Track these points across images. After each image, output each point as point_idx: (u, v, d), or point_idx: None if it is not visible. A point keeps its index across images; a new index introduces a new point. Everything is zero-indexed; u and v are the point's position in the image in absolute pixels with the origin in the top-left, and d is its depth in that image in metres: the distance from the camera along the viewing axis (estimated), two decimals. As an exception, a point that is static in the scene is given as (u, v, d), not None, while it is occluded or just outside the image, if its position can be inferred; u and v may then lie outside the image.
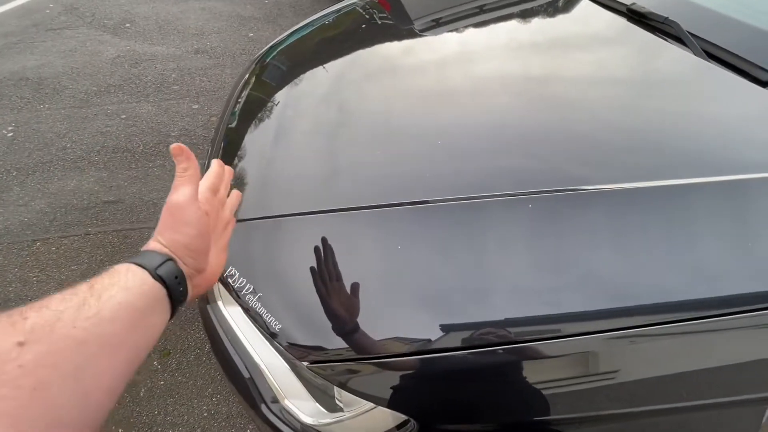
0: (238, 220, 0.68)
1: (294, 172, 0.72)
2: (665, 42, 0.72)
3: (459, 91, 0.79)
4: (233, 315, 0.64)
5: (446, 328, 0.49)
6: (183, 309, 0.37)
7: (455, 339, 0.49)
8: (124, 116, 2.16)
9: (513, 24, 1.01)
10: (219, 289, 0.65)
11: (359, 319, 0.52)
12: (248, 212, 0.69)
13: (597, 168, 0.58)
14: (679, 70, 0.67)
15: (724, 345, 0.49)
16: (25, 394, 0.20)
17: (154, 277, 0.32)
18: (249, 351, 0.61)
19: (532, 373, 0.48)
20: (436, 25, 1.08)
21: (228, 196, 0.45)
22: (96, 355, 0.25)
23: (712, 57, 0.66)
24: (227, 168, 0.46)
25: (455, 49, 0.95)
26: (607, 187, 0.53)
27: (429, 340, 0.49)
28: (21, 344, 0.21)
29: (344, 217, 0.60)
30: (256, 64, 1.16)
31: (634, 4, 0.80)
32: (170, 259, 0.34)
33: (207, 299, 0.69)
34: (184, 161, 0.37)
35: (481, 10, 1.10)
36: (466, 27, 1.02)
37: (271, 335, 0.55)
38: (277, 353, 0.57)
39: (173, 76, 2.53)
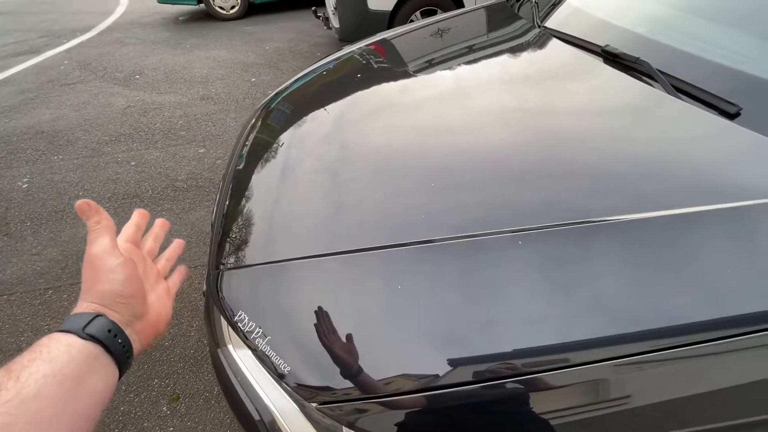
0: (250, 265, 0.72)
1: (298, 213, 0.76)
2: (637, 81, 0.77)
3: (457, 126, 0.84)
4: (243, 358, 0.66)
5: (454, 363, 0.50)
6: (143, 358, 0.39)
7: (463, 374, 0.50)
8: (133, 163, 2.25)
9: (499, 63, 1.08)
10: (229, 333, 0.68)
11: (365, 358, 0.54)
12: (255, 257, 0.72)
13: (598, 199, 0.61)
14: (651, 106, 0.72)
15: (734, 367, 0.50)
16: None
17: (83, 337, 0.31)
18: (259, 393, 0.62)
19: (542, 403, 0.49)
20: (429, 65, 1.15)
21: (159, 245, 0.46)
22: None
23: (682, 92, 0.71)
24: (159, 220, 0.46)
25: (448, 86, 1.01)
26: (610, 219, 0.56)
27: (437, 376, 0.50)
28: None
29: (349, 259, 0.63)
30: (262, 110, 1.24)
31: (608, 45, 0.86)
32: (98, 315, 0.33)
33: (218, 343, 0.72)
34: (94, 215, 0.37)
35: (471, 49, 1.18)
36: (458, 65, 1.09)
37: (279, 377, 0.57)
38: (286, 395, 0.59)
39: (180, 122, 2.65)
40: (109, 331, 0.33)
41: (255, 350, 0.60)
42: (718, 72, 0.72)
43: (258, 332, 0.60)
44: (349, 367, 0.54)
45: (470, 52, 1.17)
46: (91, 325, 0.32)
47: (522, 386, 0.49)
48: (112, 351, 0.32)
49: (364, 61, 1.29)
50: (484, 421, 0.51)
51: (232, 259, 0.76)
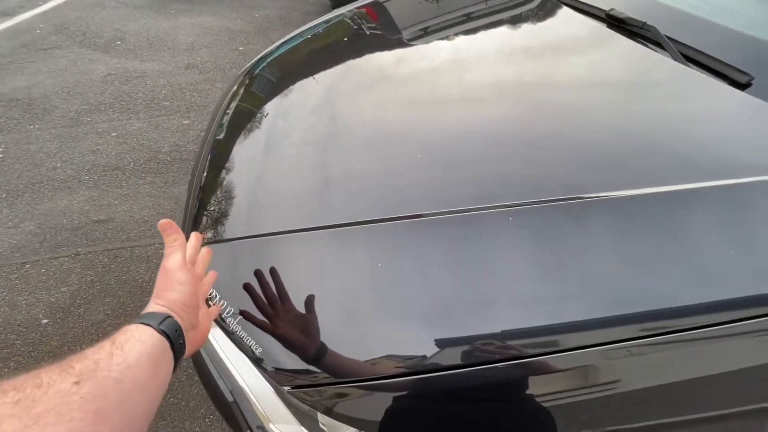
0: (228, 240, 0.68)
1: (284, 186, 0.71)
2: (644, 47, 0.72)
3: (451, 99, 0.78)
4: (217, 338, 0.63)
5: (441, 344, 0.48)
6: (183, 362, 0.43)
7: (450, 356, 0.47)
8: (114, 134, 2.16)
9: (498, 32, 1.01)
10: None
11: (347, 338, 0.51)
12: (235, 231, 0.68)
13: (593, 175, 0.57)
14: (657, 75, 0.67)
15: (726, 352, 0.48)
16: (90, 416, 0.27)
17: (158, 331, 0.37)
18: (233, 374, 0.59)
19: (534, 387, 0.47)
20: (425, 34, 1.08)
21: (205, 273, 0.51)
22: (130, 390, 0.31)
23: (691, 60, 0.66)
24: (205, 249, 0.53)
25: (445, 57, 0.95)
26: (604, 195, 0.52)
27: (424, 357, 0.47)
28: (77, 383, 0.28)
29: (334, 234, 0.59)
30: (245, 76, 1.16)
31: (612, 10, 0.80)
32: (169, 315, 0.39)
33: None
34: (173, 233, 0.45)
35: (468, 17, 1.11)
36: (455, 35, 1.02)
37: (252, 359, 0.54)
38: (261, 377, 0.56)
39: (164, 92, 2.53)
40: (176, 330, 0.39)
41: (228, 330, 0.57)
42: (729, 38, 0.67)
43: (230, 311, 0.56)
44: (328, 348, 0.51)
45: (467, 20, 1.09)
46: (164, 323, 0.38)
47: (513, 370, 0.46)
48: (175, 348, 0.38)
49: (355, 26, 1.21)
50: (471, 407, 0.49)
51: (208, 234, 0.72)
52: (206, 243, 0.69)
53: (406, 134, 0.73)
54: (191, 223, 0.77)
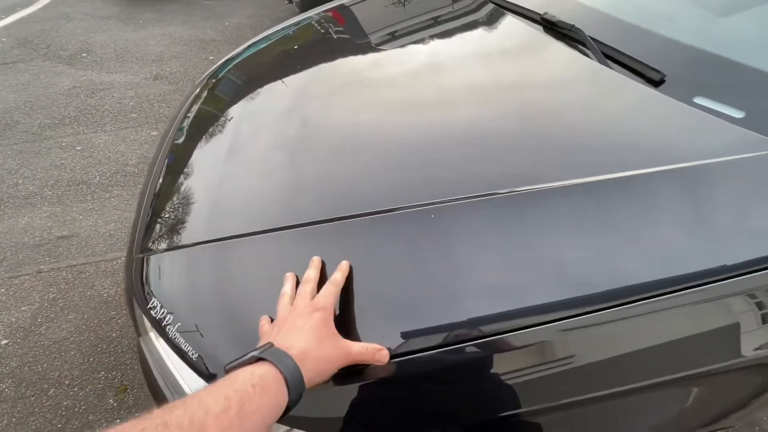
0: (182, 246, 0.67)
1: (249, 190, 0.71)
2: (572, 48, 0.76)
3: (415, 101, 0.80)
4: (164, 347, 0.63)
5: (405, 335, 0.48)
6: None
7: (413, 343, 0.48)
8: (79, 148, 2.12)
9: (449, 38, 1.04)
10: (146, 322, 0.64)
11: None
12: (192, 237, 0.67)
13: (526, 168, 0.59)
14: (580, 74, 0.71)
15: (662, 325, 0.50)
16: None
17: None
18: (180, 383, 0.60)
19: (496, 366, 0.48)
20: (392, 38, 1.09)
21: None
22: None
23: (612, 59, 0.70)
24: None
25: (410, 61, 0.96)
26: (541, 186, 0.55)
27: (389, 348, 0.47)
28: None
29: (295, 234, 0.59)
30: (208, 79, 1.16)
31: (546, 14, 0.84)
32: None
33: (139, 332, 0.68)
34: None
35: (440, 20, 1.12)
36: (410, 42, 1.04)
37: (193, 366, 0.54)
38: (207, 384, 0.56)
39: (131, 104, 2.50)
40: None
41: (168, 339, 0.57)
42: (645, 39, 0.71)
43: (169, 319, 0.57)
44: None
45: (429, 26, 1.11)
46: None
47: (476, 350, 0.47)
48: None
49: (322, 30, 1.22)
50: (438, 389, 0.49)
51: (162, 243, 0.72)
52: (156, 252, 0.69)
53: (369, 135, 0.74)
54: (143, 232, 0.77)
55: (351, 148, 0.72)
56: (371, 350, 0.45)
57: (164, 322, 0.57)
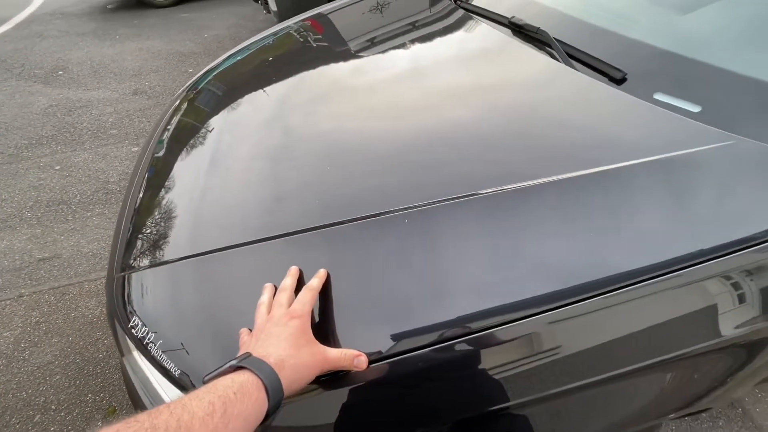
0: (165, 262, 0.66)
1: (232, 202, 0.70)
2: (538, 50, 0.78)
3: (393, 106, 0.81)
4: (147, 365, 0.63)
5: (395, 337, 0.48)
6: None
7: (403, 344, 0.48)
8: (58, 167, 2.09)
9: (424, 44, 1.05)
10: (129, 341, 0.64)
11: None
12: (175, 252, 0.66)
13: (498, 168, 0.61)
14: (547, 76, 0.73)
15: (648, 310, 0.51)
16: None
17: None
18: (165, 401, 0.59)
19: (485, 361, 0.48)
20: (370, 45, 1.10)
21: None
22: None
23: (576, 59, 0.73)
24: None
25: (388, 67, 0.97)
26: (512, 186, 0.57)
27: (380, 352, 0.48)
28: None
29: (279, 244, 0.60)
30: (188, 91, 1.15)
31: (513, 17, 0.87)
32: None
33: (122, 352, 0.68)
34: None
35: (414, 26, 1.13)
36: (398, 47, 1.04)
37: (177, 383, 0.54)
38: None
39: (111, 120, 2.47)
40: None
41: (150, 356, 0.57)
42: (607, 39, 0.74)
43: (151, 337, 0.57)
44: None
45: (392, 37, 1.12)
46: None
47: (464, 347, 0.48)
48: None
49: (301, 39, 1.23)
50: (429, 388, 0.50)
51: (142, 260, 0.71)
52: (137, 270, 0.69)
53: (344, 143, 0.74)
54: (123, 249, 0.76)
55: (333, 155, 0.73)
56: (349, 356, 0.45)
57: (146, 341, 0.57)
